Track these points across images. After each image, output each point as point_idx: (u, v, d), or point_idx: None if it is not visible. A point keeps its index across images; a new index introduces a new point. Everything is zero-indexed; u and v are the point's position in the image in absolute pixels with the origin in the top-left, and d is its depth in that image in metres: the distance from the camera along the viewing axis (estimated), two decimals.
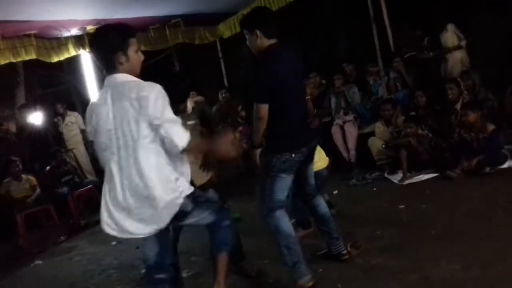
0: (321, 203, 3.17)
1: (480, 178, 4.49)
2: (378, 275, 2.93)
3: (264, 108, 2.70)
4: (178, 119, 2.24)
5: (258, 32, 2.80)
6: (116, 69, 2.28)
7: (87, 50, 6.82)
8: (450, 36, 6.51)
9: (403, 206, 4.17)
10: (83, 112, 10.16)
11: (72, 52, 6.70)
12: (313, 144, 3.03)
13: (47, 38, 6.38)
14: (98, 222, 6.56)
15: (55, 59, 6.54)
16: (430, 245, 3.16)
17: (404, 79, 6.63)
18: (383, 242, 3.41)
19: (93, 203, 7.04)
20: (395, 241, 3.39)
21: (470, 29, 6.45)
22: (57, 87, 11.19)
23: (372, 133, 5.91)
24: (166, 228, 2.41)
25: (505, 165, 4.66)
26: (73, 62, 8.48)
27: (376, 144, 5.68)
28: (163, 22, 7.20)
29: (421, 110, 5.64)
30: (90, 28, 6.53)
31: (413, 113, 5.66)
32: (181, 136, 2.21)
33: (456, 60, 6.48)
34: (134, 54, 2.31)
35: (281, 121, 2.80)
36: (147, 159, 2.21)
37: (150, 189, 2.21)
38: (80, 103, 10.54)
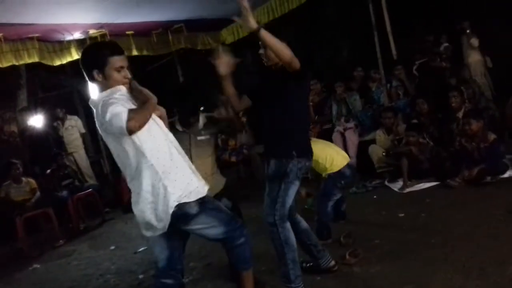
0: (301, 219, 3.11)
1: (481, 188, 4.48)
2: (377, 283, 2.90)
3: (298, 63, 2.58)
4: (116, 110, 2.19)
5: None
6: (96, 84, 2.36)
7: None
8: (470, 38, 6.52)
9: (403, 215, 4.15)
10: (85, 116, 10.20)
11: (75, 55, 6.70)
12: None
13: (49, 41, 6.40)
14: (97, 226, 6.65)
15: (57, 62, 6.56)
16: (429, 254, 3.14)
17: (406, 87, 6.64)
18: (382, 250, 3.40)
19: (93, 207, 7.06)
20: (394, 249, 3.37)
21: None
22: (60, 90, 11.20)
23: (373, 141, 5.91)
24: (177, 234, 2.43)
25: (506, 175, 4.64)
26: (76, 66, 8.49)
27: (376, 152, 5.67)
28: (166, 27, 7.22)
29: (423, 118, 5.63)
30: (93, 32, 6.55)
31: (415, 121, 5.65)
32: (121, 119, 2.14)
33: (476, 60, 6.46)
34: (114, 73, 2.32)
35: (298, 125, 2.77)
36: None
37: None
38: (82, 107, 10.55)
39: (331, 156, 3.93)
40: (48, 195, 6.55)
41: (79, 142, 8.14)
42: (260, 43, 2.72)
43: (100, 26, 6.40)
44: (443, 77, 6.38)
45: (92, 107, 2.36)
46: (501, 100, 5.72)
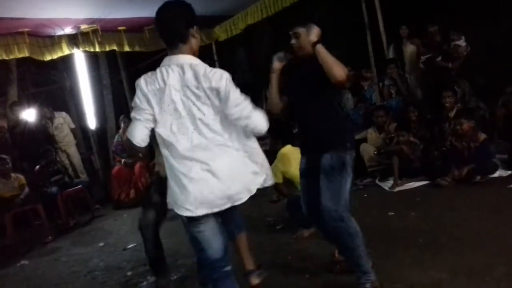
0: None
1: (470, 187, 4.50)
2: None
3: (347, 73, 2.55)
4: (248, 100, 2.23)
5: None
6: (187, 43, 2.22)
7: (81, 49, 6.79)
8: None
9: (392, 213, 4.16)
10: (76, 111, 10.12)
11: (66, 51, 6.66)
12: None
13: (40, 36, 6.34)
14: (87, 222, 6.60)
15: (48, 57, 6.51)
16: (418, 253, 3.15)
17: (398, 86, 6.65)
18: (371, 249, 3.36)
19: (82, 204, 7.01)
20: (383, 248, 3.36)
21: (465, 40, 6.46)
22: (51, 85, 11.12)
23: (364, 139, 5.91)
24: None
25: (495, 174, 4.67)
26: (67, 61, 8.44)
27: (368, 150, 5.68)
28: None
29: (412, 124, 5.62)
30: (84, 27, 6.50)
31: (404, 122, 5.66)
32: (263, 121, 2.25)
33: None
34: (198, 33, 2.29)
35: (345, 114, 2.84)
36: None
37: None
38: (73, 102, 10.49)
39: None
40: (37, 191, 6.49)
41: (70, 138, 8.08)
42: (291, 32, 2.74)
43: (91, 21, 6.36)
44: (445, 78, 6.20)
45: (186, 65, 2.17)
46: (491, 100, 5.73)
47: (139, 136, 2.21)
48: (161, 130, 2.19)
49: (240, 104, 2.18)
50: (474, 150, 4.77)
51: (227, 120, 2.21)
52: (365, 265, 2.68)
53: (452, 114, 5.32)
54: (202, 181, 2.13)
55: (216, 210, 2.18)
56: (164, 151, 2.22)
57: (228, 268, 2.32)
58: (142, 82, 2.21)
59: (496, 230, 3.29)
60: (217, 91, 2.14)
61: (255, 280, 2.88)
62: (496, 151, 4.93)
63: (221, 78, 2.15)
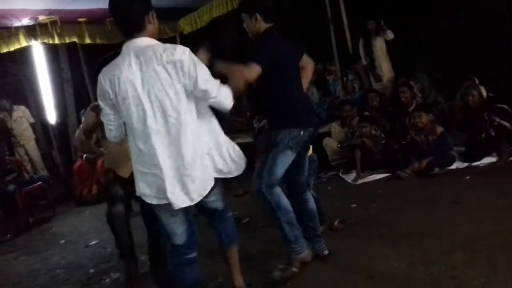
0: (310, 199, 3.11)
1: (429, 179, 4.63)
2: (326, 272, 2.95)
3: (257, 70, 2.59)
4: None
5: (258, 16, 2.83)
6: (144, 30, 2.19)
7: (40, 41, 6.58)
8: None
9: (355, 205, 4.24)
10: (36, 105, 9.80)
11: (23, 43, 6.43)
12: (315, 130, 3.06)
13: None
14: (47, 220, 6.40)
15: (4, 49, 6.27)
16: (378, 244, 3.22)
17: (362, 81, 6.76)
18: (332, 240, 3.44)
19: (43, 200, 6.81)
20: (344, 239, 3.43)
21: (423, 35, 6.64)
22: (8, 78, 10.72)
23: (328, 133, 5.97)
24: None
25: (453, 166, 4.82)
26: (25, 53, 8.15)
27: (331, 144, 5.76)
28: None
29: (374, 112, 5.76)
30: (42, 18, 6.30)
31: (366, 113, 5.77)
32: (228, 97, 2.31)
33: (385, 65, 6.71)
34: (155, 19, 2.27)
35: (287, 96, 2.81)
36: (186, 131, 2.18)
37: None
38: (32, 95, 10.15)
39: None
40: None
41: (29, 132, 7.84)
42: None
43: (50, 12, 6.17)
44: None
45: (144, 47, 2.16)
46: (450, 94, 5.90)
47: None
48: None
49: (209, 80, 2.21)
50: (433, 142, 4.92)
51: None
52: (288, 236, 2.81)
53: (411, 108, 5.46)
54: None
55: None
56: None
57: (192, 255, 2.40)
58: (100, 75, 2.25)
59: (453, 220, 3.39)
60: (181, 64, 2.11)
61: None
62: (454, 144, 5.09)
63: (183, 52, 2.14)
